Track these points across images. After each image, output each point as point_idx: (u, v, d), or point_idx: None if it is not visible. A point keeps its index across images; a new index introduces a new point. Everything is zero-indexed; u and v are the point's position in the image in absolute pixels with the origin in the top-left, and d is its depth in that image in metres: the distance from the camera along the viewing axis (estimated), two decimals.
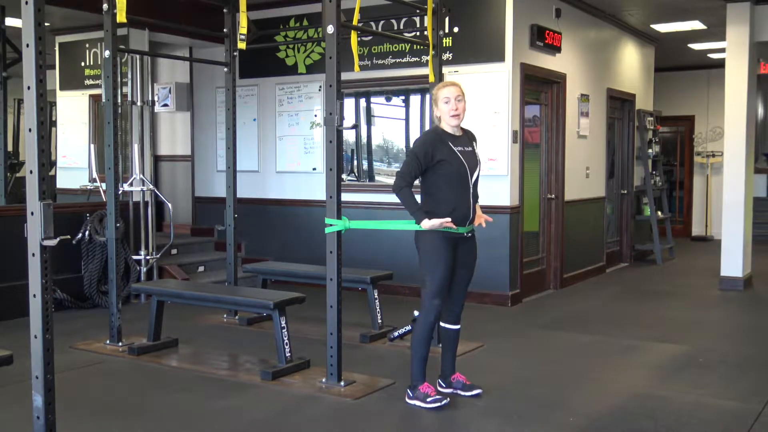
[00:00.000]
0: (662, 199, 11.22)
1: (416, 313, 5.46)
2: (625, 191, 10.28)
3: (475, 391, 4.47)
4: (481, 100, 7.27)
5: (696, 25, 9.56)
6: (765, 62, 10.52)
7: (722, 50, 9.04)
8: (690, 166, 13.64)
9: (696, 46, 11.18)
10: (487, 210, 6.95)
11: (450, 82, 4.44)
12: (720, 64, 9.53)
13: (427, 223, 4.16)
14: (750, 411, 4.25)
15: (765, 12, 8.20)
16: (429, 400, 4.25)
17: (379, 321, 5.98)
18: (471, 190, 4.28)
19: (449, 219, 4.16)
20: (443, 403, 4.25)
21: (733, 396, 4.57)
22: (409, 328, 5.55)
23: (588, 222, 8.94)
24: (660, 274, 9.61)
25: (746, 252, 8.34)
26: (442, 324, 4.49)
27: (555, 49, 7.87)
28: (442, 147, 4.20)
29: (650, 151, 10.65)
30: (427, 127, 7.60)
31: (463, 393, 4.46)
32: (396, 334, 5.68)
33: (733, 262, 8.26)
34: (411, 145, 4.36)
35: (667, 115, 12.96)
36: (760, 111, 13.07)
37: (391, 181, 8.15)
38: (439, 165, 4.19)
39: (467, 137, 4.39)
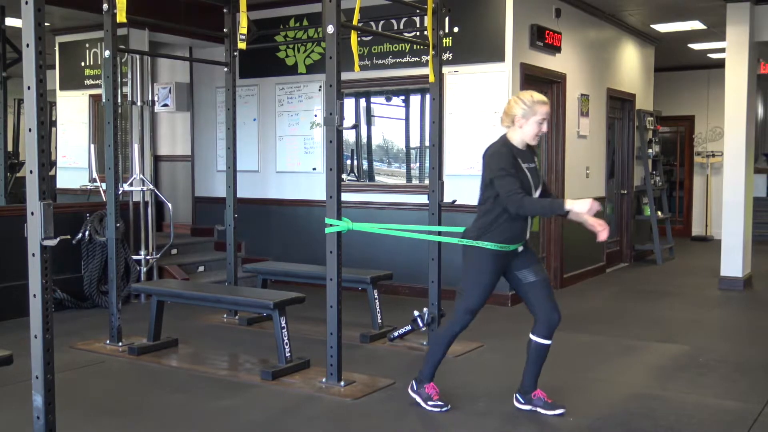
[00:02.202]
0: (662, 199, 11.22)
1: (416, 312, 5.50)
2: (625, 191, 10.28)
3: (558, 411, 4.15)
4: (481, 100, 7.27)
5: (696, 25, 9.57)
6: (765, 62, 10.52)
7: (722, 50, 9.04)
8: (690, 166, 13.64)
9: (696, 46, 11.18)
10: None
11: (545, 99, 4.07)
12: (720, 64, 9.53)
13: (576, 204, 3.77)
14: (750, 411, 4.25)
15: (765, 12, 8.20)
16: (430, 403, 4.22)
17: (379, 321, 5.98)
18: None
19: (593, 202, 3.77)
20: (444, 410, 4.20)
21: (733, 396, 4.57)
22: (409, 328, 5.57)
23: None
24: (660, 274, 9.61)
25: (746, 252, 8.34)
26: (532, 336, 4.18)
27: (555, 49, 7.87)
28: (515, 161, 3.97)
29: (650, 151, 10.65)
30: (427, 127, 7.62)
31: (544, 411, 4.16)
32: (396, 334, 5.69)
33: (733, 262, 8.27)
34: (487, 164, 4.00)
35: (667, 115, 12.97)
36: (760, 111, 13.07)
37: (391, 180, 8.18)
38: None
39: (530, 152, 4.14)
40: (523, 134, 4.04)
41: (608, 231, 3.90)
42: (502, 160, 3.94)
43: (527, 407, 4.24)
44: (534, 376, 4.24)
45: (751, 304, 7.73)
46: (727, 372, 5.13)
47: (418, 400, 4.26)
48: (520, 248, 4.12)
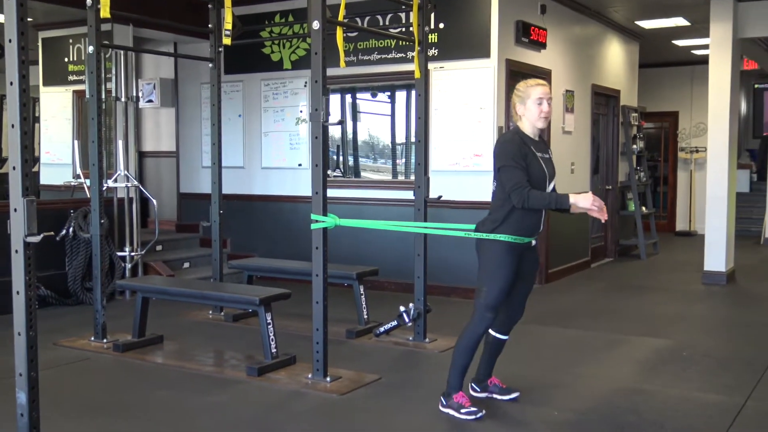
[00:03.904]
0: (646, 194, 11.28)
1: (402, 308, 5.51)
2: (610, 187, 10.33)
3: (513, 395, 4.30)
4: (467, 96, 7.28)
5: (680, 21, 9.62)
6: (748, 59, 10.61)
7: (706, 47, 9.09)
8: (674, 161, 13.73)
9: (680, 43, 11.24)
10: (474, 206, 7.02)
11: (540, 81, 4.06)
12: (704, 61, 9.59)
13: (579, 199, 3.80)
14: (733, 404, 4.29)
15: (748, 9, 8.26)
16: (463, 411, 4.02)
17: (365, 317, 5.99)
18: None
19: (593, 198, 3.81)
20: (478, 416, 4.01)
21: (717, 389, 4.60)
22: (395, 323, 5.59)
23: (573, 217, 8.96)
24: (644, 269, 9.67)
25: (729, 247, 8.40)
26: (491, 331, 4.22)
27: (540, 45, 7.90)
28: (527, 150, 3.91)
29: (634, 146, 10.71)
30: (412, 123, 7.63)
31: (499, 397, 4.30)
32: (382, 329, 5.70)
33: (716, 257, 8.33)
34: (497, 154, 3.94)
35: (651, 111, 13.03)
36: (743, 107, 13.18)
37: (377, 176, 8.18)
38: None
39: (544, 143, 4.12)
40: (529, 120, 3.99)
41: (605, 209, 3.90)
42: (511, 151, 3.88)
43: (483, 395, 4.33)
44: (490, 366, 4.36)
45: (734, 299, 7.79)
46: (711, 366, 5.18)
47: (451, 412, 4.05)
48: (534, 242, 4.08)
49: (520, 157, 3.86)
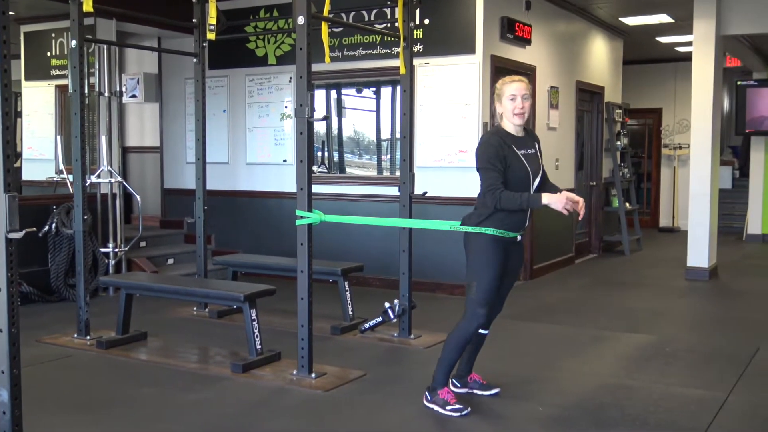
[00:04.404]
0: (630, 190, 11.34)
1: (387, 304, 5.51)
2: (594, 183, 10.38)
3: (493, 390, 4.33)
4: (452, 92, 7.29)
5: (664, 18, 9.67)
6: (731, 56, 10.69)
7: (689, 44, 9.15)
8: (657, 158, 13.81)
9: (664, 40, 11.30)
10: (459, 202, 7.02)
11: (517, 77, 4.07)
12: (687, 58, 9.65)
13: (552, 201, 3.81)
14: (715, 399, 4.33)
15: (731, 6, 8.31)
16: (449, 408, 4.02)
17: (350, 313, 5.98)
18: None
19: (570, 197, 3.84)
20: (464, 413, 4.00)
21: (699, 384, 4.64)
22: (380, 319, 5.59)
23: (557, 213, 8.99)
24: (628, 264, 9.73)
25: (712, 243, 8.46)
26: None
27: (525, 41, 7.91)
28: (507, 150, 3.91)
29: (618, 143, 10.76)
30: (397, 119, 7.62)
31: (480, 392, 4.32)
32: (367, 326, 5.70)
33: (699, 253, 8.38)
34: (476, 156, 3.95)
35: (635, 107, 13.10)
36: (726, 104, 13.27)
37: (362, 173, 8.17)
38: (504, 170, 3.90)
39: (530, 138, 4.10)
40: (506, 115, 4.00)
41: (582, 202, 3.94)
42: (487, 153, 3.91)
43: (463, 390, 4.34)
44: (471, 362, 4.36)
45: (717, 294, 7.85)
46: (693, 361, 5.22)
47: (436, 408, 4.05)
48: (519, 237, 4.07)
49: (496, 159, 3.88)
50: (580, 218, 3.98)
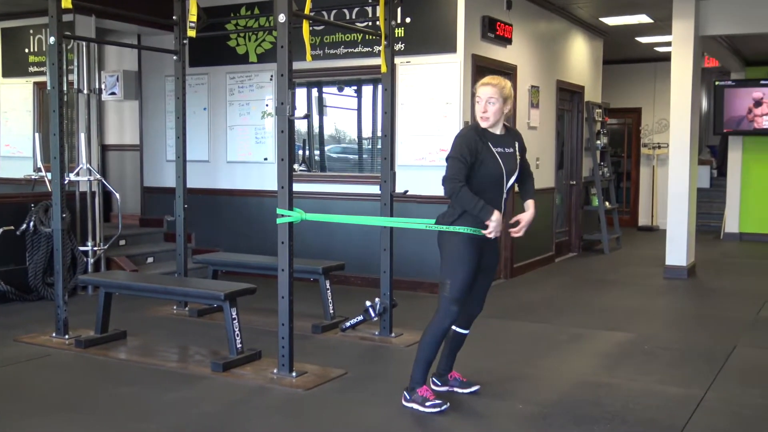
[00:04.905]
0: (610, 189, 11.41)
1: (368, 303, 5.51)
2: (574, 182, 10.43)
3: (473, 388, 4.34)
4: (433, 91, 7.30)
5: (643, 18, 9.74)
6: (709, 56, 10.79)
7: (668, 44, 9.22)
8: (637, 157, 13.91)
9: (643, 40, 11.38)
10: (440, 201, 7.02)
11: (488, 80, 4.05)
12: (666, 58, 9.72)
13: (493, 221, 3.88)
14: (693, 396, 4.37)
15: (710, 7, 8.39)
16: (428, 404, 4.02)
17: (331, 311, 5.98)
18: (504, 195, 4.03)
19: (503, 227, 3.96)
20: (443, 408, 4.02)
21: (677, 382, 4.68)
22: (361, 318, 5.59)
23: (537, 212, 9.03)
24: (607, 263, 9.79)
25: (690, 241, 8.54)
26: (452, 326, 4.19)
27: (506, 40, 7.94)
28: (482, 146, 3.92)
29: (598, 142, 10.82)
30: (379, 118, 7.62)
31: (460, 390, 4.32)
32: (348, 324, 5.70)
33: (677, 252, 8.46)
34: (452, 145, 3.97)
35: (614, 107, 13.19)
36: (704, 104, 13.39)
37: (343, 171, 8.16)
38: (476, 165, 3.91)
39: (510, 137, 4.09)
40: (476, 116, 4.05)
41: (525, 224, 4.15)
42: (460, 145, 3.93)
43: (444, 389, 4.35)
44: (451, 361, 4.38)
45: (695, 293, 7.93)
46: (672, 359, 5.26)
47: (415, 407, 4.05)
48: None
49: (468, 152, 3.89)
50: (513, 235, 4.07)
